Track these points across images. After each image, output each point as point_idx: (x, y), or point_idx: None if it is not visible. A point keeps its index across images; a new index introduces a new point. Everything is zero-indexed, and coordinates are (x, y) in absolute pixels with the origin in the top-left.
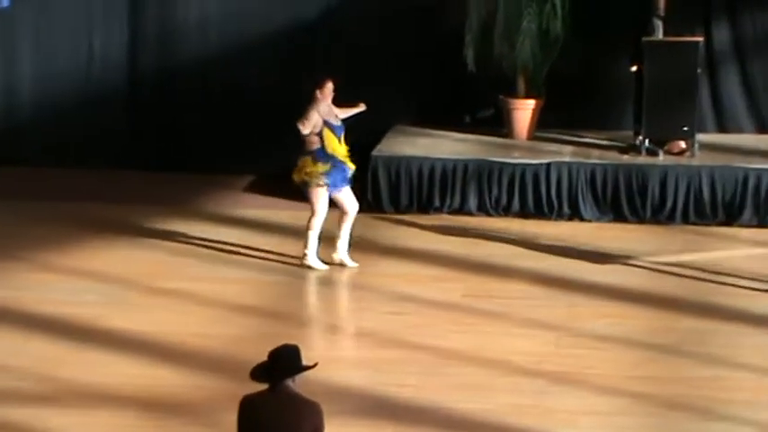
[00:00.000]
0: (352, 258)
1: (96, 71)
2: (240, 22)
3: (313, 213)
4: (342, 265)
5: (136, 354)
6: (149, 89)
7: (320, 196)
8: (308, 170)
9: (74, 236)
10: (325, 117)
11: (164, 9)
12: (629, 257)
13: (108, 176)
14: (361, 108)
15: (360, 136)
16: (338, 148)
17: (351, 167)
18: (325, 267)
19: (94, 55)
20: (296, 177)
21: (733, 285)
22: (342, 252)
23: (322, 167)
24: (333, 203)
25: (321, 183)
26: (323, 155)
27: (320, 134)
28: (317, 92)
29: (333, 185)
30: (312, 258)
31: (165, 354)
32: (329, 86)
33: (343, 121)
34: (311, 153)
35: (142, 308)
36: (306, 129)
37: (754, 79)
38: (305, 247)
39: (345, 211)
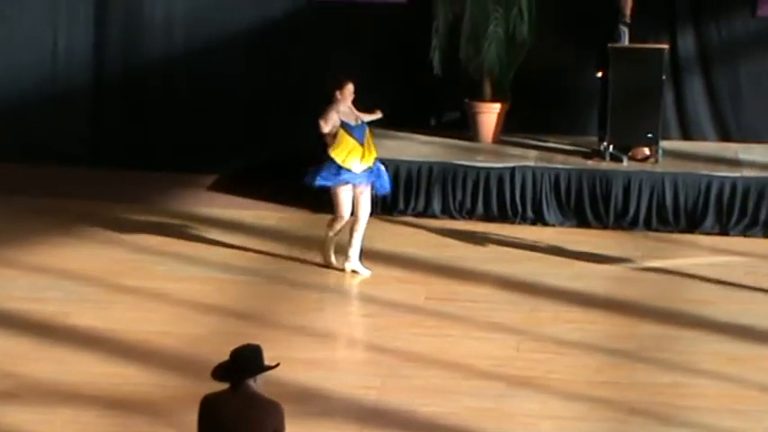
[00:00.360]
0: (332, 261)
1: (61, 68)
2: (206, 20)
3: (334, 216)
4: (354, 272)
5: (98, 351)
6: (114, 86)
7: (340, 198)
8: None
9: (37, 232)
10: (343, 118)
11: (130, 6)
12: (591, 262)
13: (72, 174)
14: (378, 115)
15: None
16: (356, 149)
17: (352, 169)
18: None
19: (59, 52)
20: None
21: (694, 292)
22: (354, 260)
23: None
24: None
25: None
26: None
27: (335, 135)
28: (337, 92)
29: (323, 179)
30: (328, 256)
31: (127, 352)
32: (349, 87)
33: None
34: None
35: (105, 305)
36: (326, 127)
37: (719, 87)
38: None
39: (357, 217)
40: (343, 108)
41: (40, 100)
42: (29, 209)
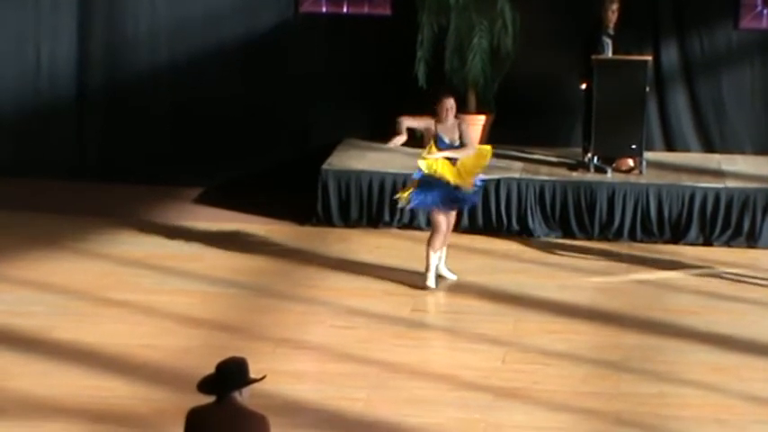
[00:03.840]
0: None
1: (44, 82)
2: (191, 33)
3: (432, 230)
4: (441, 277)
5: (84, 365)
6: (99, 100)
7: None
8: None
9: (22, 246)
10: (440, 131)
11: (113, 20)
12: (576, 274)
13: (57, 187)
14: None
15: (310, 149)
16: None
17: (462, 188)
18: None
19: (42, 65)
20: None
21: (678, 302)
22: (441, 267)
23: (409, 188)
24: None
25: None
26: (420, 174)
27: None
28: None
29: (427, 203)
30: (430, 279)
31: (113, 365)
32: (443, 103)
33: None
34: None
35: (91, 319)
36: (408, 122)
37: (702, 99)
38: (426, 269)
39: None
40: (443, 125)
41: (23, 114)
42: (12, 222)
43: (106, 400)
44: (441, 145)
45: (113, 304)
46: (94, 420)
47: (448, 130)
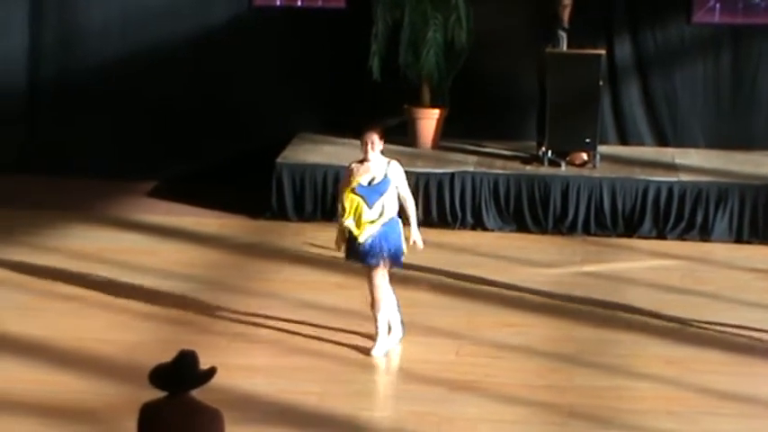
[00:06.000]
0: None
1: None
2: (143, 28)
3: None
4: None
5: (35, 359)
6: (51, 92)
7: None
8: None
9: None
10: (356, 176)
11: (65, 12)
12: (530, 267)
13: (9, 182)
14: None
15: (265, 143)
16: (363, 215)
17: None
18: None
19: None
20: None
21: (632, 296)
22: (378, 347)
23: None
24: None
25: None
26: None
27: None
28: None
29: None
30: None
31: (64, 359)
32: (365, 138)
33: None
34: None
35: (41, 312)
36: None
37: (655, 93)
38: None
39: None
40: (358, 167)
41: None
42: None
43: (58, 394)
44: (360, 191)
45: (64, 298)
46: (47, 415)
47: (368, 171)
